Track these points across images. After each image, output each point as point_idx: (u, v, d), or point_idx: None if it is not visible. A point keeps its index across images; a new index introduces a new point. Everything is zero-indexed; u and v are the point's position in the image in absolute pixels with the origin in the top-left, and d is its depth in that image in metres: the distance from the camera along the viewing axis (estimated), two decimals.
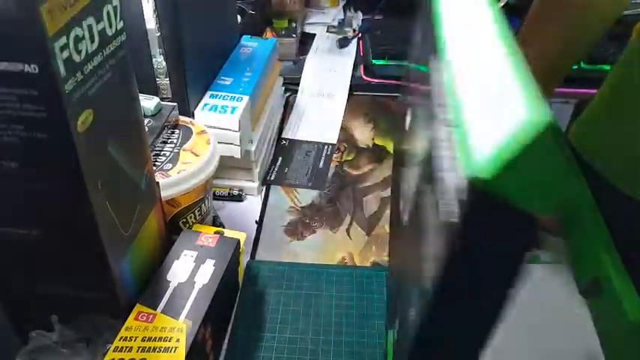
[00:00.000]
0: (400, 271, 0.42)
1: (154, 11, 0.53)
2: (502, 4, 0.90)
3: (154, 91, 0.57)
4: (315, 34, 0.99)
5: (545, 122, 0.17)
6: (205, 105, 0.59)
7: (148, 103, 0.51)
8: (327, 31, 1.00)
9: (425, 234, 0.28)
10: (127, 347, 0.35)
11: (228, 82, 0.63)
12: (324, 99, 0.82)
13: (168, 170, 0.47)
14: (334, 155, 0.71)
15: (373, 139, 0.75)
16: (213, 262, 0.43)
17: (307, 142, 0.74)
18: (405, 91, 0.56)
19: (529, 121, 0.18)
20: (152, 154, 0.48)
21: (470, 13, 0.26)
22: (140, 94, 0.38)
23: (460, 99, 0.22)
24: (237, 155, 0.59)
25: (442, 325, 0.26)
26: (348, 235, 0.59)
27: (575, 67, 0.83)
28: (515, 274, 0.23)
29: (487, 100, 0.21)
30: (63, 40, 0.27)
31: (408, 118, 0.51)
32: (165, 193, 0.45)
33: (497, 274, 0.23)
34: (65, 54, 0.27)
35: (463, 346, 0.27)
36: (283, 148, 0.72)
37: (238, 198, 0.63)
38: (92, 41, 0.30)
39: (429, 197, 0.28)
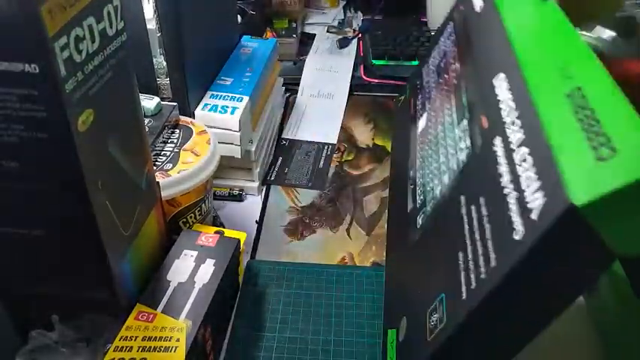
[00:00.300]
0: (407, 272, 0.42)
1: (155, 11, 0.53)
2: None
3: (154, 91, 0.57)
4: (315, 35, 0.99)
5: None
6: (205, 105, 0.59)
7: (148, 103, 0.51)
8: (327, 32, 1.00)
9: (459, 242, 0.28)
10: (127, 347, 0.35)
11: (228, 82, 0.63)
12: (324, 99, 0.82)
13: (169, 170, 0.47)
14: (334, 155, 0.71)
15: (373, 139, 0.75)
16: (213, 261, 0.43)
17: (307, 142, 0.74)
18: (422, 92, 0.56)
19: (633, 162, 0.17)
20: (152, 154, 0.48)
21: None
22: (140, 94, 0.38)
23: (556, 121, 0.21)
24: (238, 155, 0.59)
25: (482, 334, 0.26)
26: (348, 235, 0.59)
27: None
28: (568, 302, 0.23)
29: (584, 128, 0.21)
30: (63, 40, 0.27)
31: (423, 122, 0.50)
32: (165, 193, 0.45)
33: (551, 299, 0.23)
34: (65, 54, 0.27)
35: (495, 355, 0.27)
36: (283, 148, 0.72)
37: (238, 198, 0.63)
38: (93, 41, 0.30)
39: (475, 207, 0.27)
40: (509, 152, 0.26)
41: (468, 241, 0.27)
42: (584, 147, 0.20)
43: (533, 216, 0.21)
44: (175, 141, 0.51)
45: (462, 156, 0.35)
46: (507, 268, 0.22)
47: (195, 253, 0.43)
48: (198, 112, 0.58)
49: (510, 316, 0.25)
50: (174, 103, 0.54)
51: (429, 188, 0.42)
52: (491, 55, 0.35)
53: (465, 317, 0.25)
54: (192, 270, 0.42)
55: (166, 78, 0.57)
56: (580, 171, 0.19)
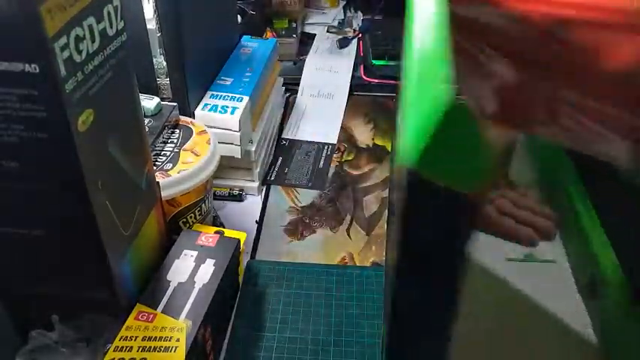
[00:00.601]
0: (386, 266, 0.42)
1: (155, 11, 0.53)
2: None
3: (154, 91, 0.57)
4: (315, 35, 0.99)
5: (452, 102, 0.17)
6: (206, 105, 0.59)
7: (148, 103, 0.51)
8: (327, 32, 1.00)
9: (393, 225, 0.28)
10: (127, 347, 0.35)
11: (228, 82, 0.63)
12: (324, 99, 0.82)
13: (169, 170, 0.47)
14: (334, 155, 0.71)
15: (373, 139, 0.75)
16: (213, 261, 0.43)
17: (307, 142, 0.74)
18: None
19: (439, 104, 0.17)
20: (152, 154, 0.48)
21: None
22: (140, 94, 0.38)
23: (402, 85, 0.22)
24: (238, 155, 0.59)
25: (406, 307, 0.26)
26: (348, 235, 0.59)
27: None
28: (461, 256, 0.23)
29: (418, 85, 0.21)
30: (63, 40, 0.27)
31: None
32: (165, 193, 0.45)
33: (445, 256, 0.23)
34: (66, 54, 0.27)
35: (430, 326, 0.27)
36: (283, 148, 0.72)
37: (238, 198, 0.63)
38: (93, 41, 0.30)
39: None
40: None
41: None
42: None
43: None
44: (175, 141, 0.51)
45: None
46: (398, 240, 0.23)
47: (195, 253, 0.43)
48: (198, 112, 0.58)
49: (422, 285, 0.25)
50: (174, 103, 0.54)
51: None
52: None
53: (393, 295, 0.26)
54: (192, 270, 0.42)
55: (166, 78, 0.57)
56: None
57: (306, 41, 0.97)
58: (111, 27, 0.32)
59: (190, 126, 0.54)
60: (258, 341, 0.46)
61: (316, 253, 0.57)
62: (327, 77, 0.87)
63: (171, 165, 0.48)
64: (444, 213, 0.21)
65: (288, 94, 0.83)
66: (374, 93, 0.85)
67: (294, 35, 0.92)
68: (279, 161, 0.70)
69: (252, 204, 0.63)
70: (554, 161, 0.59)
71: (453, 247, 0.23)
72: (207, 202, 0.52)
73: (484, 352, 0.32)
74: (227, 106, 0.58)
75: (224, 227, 0.56)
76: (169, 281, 0.41)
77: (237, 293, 0.50)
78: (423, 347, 0.28)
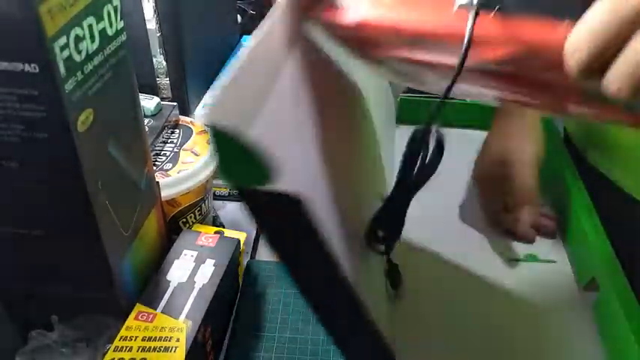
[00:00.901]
0: None
1: (155, 11, 0.53)
2: None
3: (154, 91, 0.57)
4: None
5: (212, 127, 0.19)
6: (205, 105, 0.59)
7: (148, 103, 0.51)
8: None
9: None
10: (127, 347, 0.35)
11: None
12: None
13: (169, 170, 0.47)
14: None
15: None
16: (213, 262, 0.43)
17: None
18: None
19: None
20: (152, 154, 0.48)
21: None
22: (140, 94, 0.38)
23: None
24: None
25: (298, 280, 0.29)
26: None
27: None
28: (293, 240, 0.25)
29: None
30: (63, 40, 0.27)
31: None
32: (165, 193, 0.45)
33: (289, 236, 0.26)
34: (65, 54, 0.27)
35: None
36: None
37: (238, 198, 0.63)
38: (92, 41, 0.30)
39: None
40: None
41: None
42: None
43: None
44: (175, 141, 0.51)
45: None
46: None
47: (195, 253, 0.43)
48: (198, 112, 0.58)
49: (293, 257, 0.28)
50: (174, 103, 0.54)
51: None
52: None
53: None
54: (192, 270, 0.42)
55: (166, 78, 0.57)
56: None
57: None
58: (110, 27, 0.32)
59: (190, 126, 0.54)
60: (258, 341, 0.46)
61: None
62: None
63: (171, 165, 0.48)
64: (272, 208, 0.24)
65: None
66: None
67: None
68: None
69: None
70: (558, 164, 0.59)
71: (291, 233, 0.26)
72: (207, 202, 0.52)
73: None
74: None
75: (224, 227, 0.56)
76: (169, 281, 0.40)
77: (237, 293, 0.50)
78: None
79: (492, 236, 0.56)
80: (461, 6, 0.24)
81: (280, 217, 0.24)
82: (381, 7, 0.26)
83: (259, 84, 0.23)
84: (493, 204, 0.58)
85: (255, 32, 0.24)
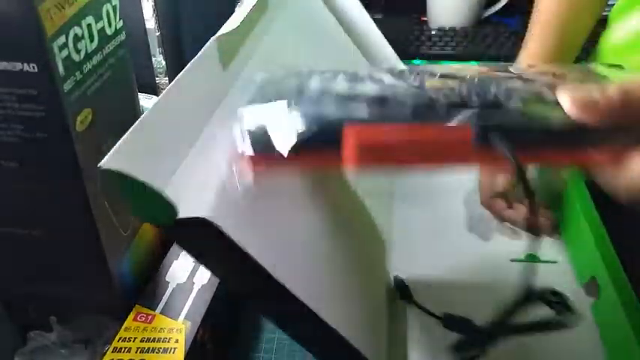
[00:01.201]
0: None
1: (154, 10, 0.53)
2: (502, 3, 0.90)
3: (153, 90, 0.57)
4: None
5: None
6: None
7: (147, 102, 0.51)
8: None
9: None
10: (125, 348, 0.35)
11: None
12: None
13: None
14: None
15: None
16: None
17: None
18: None
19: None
20: None
21: None
22: (140, 94, 0.38)
23: None
24: None
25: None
26: None
27: None
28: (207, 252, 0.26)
29: None
30: (62, 40, 0.27)
31: None
32: None
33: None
34: (64, 53, 0.27)
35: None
36: None
37: None
38: (91, 40, 0.30)
39: None
40: None
41: None
42: None
43: None
44: None
45: None
46: None
47: None
48: None
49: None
50: None
51: None
52: None
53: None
54: (191, 270, 0.41)
55: (166, 77, 0.57)
56: None
57: None
58: (109, 26, 0.32)
59: None
60: (258, 341, 0.46)
61: None
62: None
63: None
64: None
65: None
66: None
67: None
68: None
69: None
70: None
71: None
72: None
73: None
74: None
75: None
76: (168, 282, 0.40)
77: None
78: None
79: (492, 236, 0.56)
80: None
81: (197, 243, 0.25)
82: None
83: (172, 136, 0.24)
84: (495, 202, 0.58)
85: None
